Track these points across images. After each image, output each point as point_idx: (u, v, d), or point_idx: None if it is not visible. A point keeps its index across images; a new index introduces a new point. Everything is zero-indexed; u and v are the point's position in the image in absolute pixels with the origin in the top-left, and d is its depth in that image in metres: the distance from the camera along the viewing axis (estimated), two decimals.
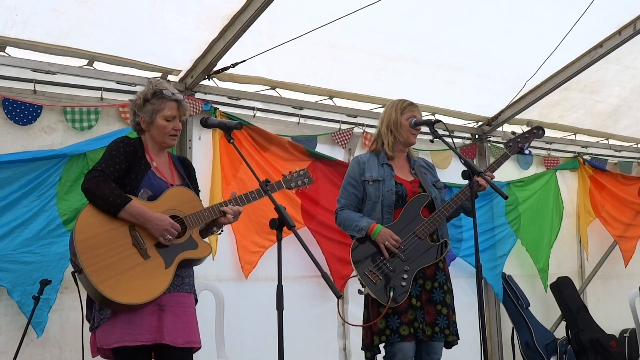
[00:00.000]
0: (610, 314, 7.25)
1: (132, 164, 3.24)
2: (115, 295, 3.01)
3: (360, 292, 3.93)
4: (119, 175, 3.19)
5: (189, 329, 3.22)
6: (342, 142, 5.60)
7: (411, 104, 4.10)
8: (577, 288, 7.19)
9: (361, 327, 4.03)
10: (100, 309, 3.10)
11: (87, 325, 3.29)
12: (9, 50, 4.22)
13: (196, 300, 3.39)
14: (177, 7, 4.38)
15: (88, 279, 3.00)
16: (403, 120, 4.04)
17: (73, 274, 3.10)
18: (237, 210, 3.35)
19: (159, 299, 3.13)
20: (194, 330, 3.26)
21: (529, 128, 4.27)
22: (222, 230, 3.48)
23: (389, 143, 4.07)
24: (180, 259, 3.20)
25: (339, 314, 3.84)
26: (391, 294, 3.80)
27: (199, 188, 3.57)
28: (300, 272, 5.10)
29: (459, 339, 3.97)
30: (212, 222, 3.37)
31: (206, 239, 3.42)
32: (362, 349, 4.03)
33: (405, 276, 3.86)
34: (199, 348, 3.28)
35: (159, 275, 3.13)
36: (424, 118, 4.09)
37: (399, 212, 3.96)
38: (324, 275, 2.77)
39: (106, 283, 3.01)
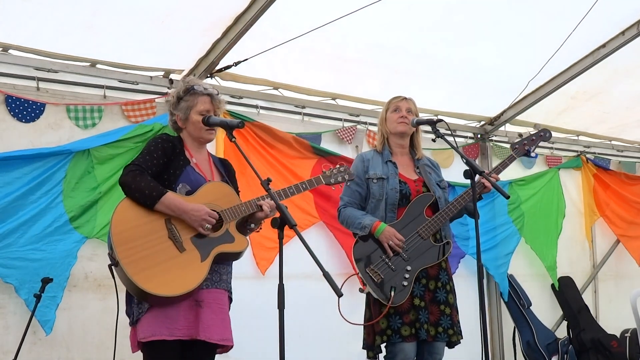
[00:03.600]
0: (621, 314, 7.22)
1: (171, 159, 3.26)
2: (150, 287, 3.00)
3: (361, 290, 3.92)
4: (156, 170, 3.21)
5: (223, 326, 3.22)
6: (348, 138, 5.61)
7: (395, 97, 4.14)
8: (585, 287, 7.23)
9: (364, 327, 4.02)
10: (138, 303, 3.12)
11: (121, 323, 3.31)
12: (12, 50, 4.25)
13: (231, 299, 3.38)
14: (183, 23, 4.42)
15: (124, 271, 3.01)
16: (388, 114, 4.10)
17: (110, 267, 3.11)
18: (273, 204, 3.28)
19: (196, 294, 3.13)
20: (228, 328, 3.26)
21: (535, 130, 4.26)
22: (260, 227, 3.44)
23: (378, 142, 4.14)
24: (216, 252, 3.18)
25: (340, 314, 3.82)
26: (392, 293, 3.79)
27: (239, 189, 3.55)
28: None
29: (462, 338, 3.96)
30: (250, 218, 3.35)
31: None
32: (363, 348, 4.03)
33: (406, 276, 3.85)
34: (232, 346, 3.27)
35: (195, 268, 3.12)
36: (426, 118, 4.08)
37: (402, 211, 3.95)
38: (325, 274, 2.75)
39: (141, 275, 3.01)
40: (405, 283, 3.83)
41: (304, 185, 3.46)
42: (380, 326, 3.84)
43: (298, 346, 4.52)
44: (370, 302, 3.94)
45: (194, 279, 3.10)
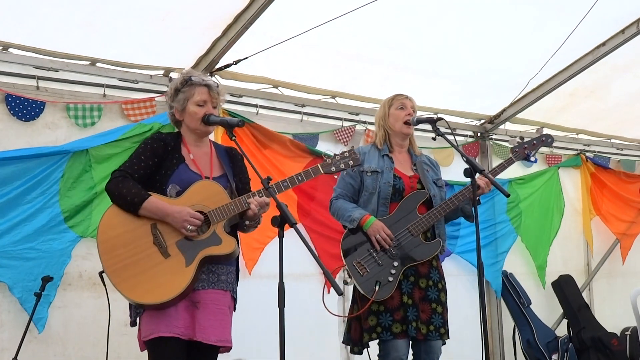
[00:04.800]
0: (616, 312, 7.25)
1: (163, 159, 3.21)
2: (134, 295, 3.00)
3: (345, 282, 3.91)
4: (145, 172, 3.17)
5: (221, 327, 3.17)
6: (344, 140, 5.61)
7: (398, 94, 4.13)
8: (585, 286, 7.24)
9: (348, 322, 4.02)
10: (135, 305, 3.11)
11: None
12: (12, 49, 4.24)
13: (235, 300, 3.33)
14: (183, 21, 4.41)
15: (109, 280, 3.01)
16: (392, 111, 4.08)
17: (100, 273, 3.10)
18: (262, 201, 3.20)
19: (192, 295, 3.10)
20: (227, 329, 3.21)
21: (537, 135, 4.23)
22: (258, 223, 3.33)
23: (380, 138, 4.11)
24: (202, 256, 3.12)
25: (325, 306, 3.82)
26: (377, 287, 3.78)
27: (249, 177, 3.46)
28: (303, 270, 5.11)
29: (449, 337, 3.95)
30: (244, 215, 3.24)
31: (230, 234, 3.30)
32: (343, 342, 4.04)
33: (392, 271, 3.83)
34: (231, 348, 3.23)
35: (179, 273, 3.07)
36: (426, 116, 4.08)
37: (395, 206, 3.95)
38: (325, 273, 2.76)
39: (125, 283, 3.00)
40: (391, 278, 3.82)
41: (299, 177, 3.29)
42: (368, 323, 3.83)
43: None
44: (357, 296, 3.92)
45: (177, 285, 3.05)
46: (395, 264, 3.85)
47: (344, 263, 3.88)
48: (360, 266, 3.85)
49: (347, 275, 3.89)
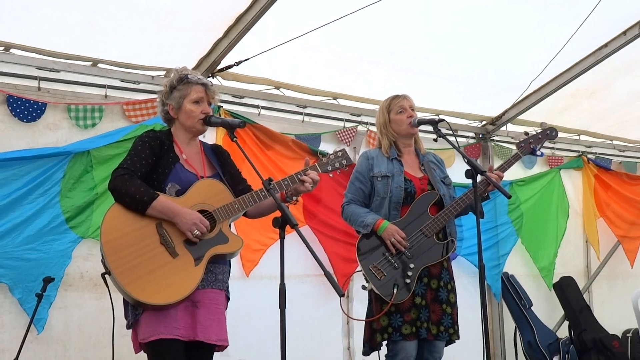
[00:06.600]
0: (615, 314, 7.24)
1: (159, 157, 3.18)
2: (144, 296, 2.95)
3: (364, 287, 3.93)
4: (146, 170, 3.14)
5: (220, 327, 3.18)
6: (347, 140, 5.61)
7: (395, 97, 4.11)
8: (586, 287, 7.23)
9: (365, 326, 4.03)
10: (134, 306, 3.07)
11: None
12: (14, 49, 4.25)
13: (228, 298, 3.33)
14: (184, 22, 4.41)
15: (116, 281, 2.97)
16: (392, 115, 4.07)
17: (103, 275, 3.05)
18: (316, 178, 3.29)
19: (192, 295, 3.07)
20: (224, 328, 3.22)
21: (541, 129, 4.23)
22: (296, 200, 3.38)
23: (385, 146, 4.10)
24: (210, 254, 3.11)
25: (342, 310, 3.82)
26: (395, 290, 3.79)
27: (239, 169, 3.49)
28: (305, 271, 5.11)
29: (459, 337, 3.96)
30: (297, 191, 3.29)
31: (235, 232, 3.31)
32: (364, 344, 4.03)
33: (409, 273, 3.85)
34: (227, 346, 3.23)
35: (189, 273, 3.05)
36: (427, 117, 4.08)
37: (407, 209, 3.95)
38: (326, 274, 2.74)
39: (134, 284, 2.95)
40: (408, 281, 3.84)
41: (299, 176, 3.31)
42: (381, 324, 3.84)
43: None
44: (372, 299, 3.94)
45: (188, 284, 3.03)
46: (412, 265, 3.86)
47: (361, 268, 3.89)
48: (377, 270, 3.85)
49: (365, 281, 3.91)
